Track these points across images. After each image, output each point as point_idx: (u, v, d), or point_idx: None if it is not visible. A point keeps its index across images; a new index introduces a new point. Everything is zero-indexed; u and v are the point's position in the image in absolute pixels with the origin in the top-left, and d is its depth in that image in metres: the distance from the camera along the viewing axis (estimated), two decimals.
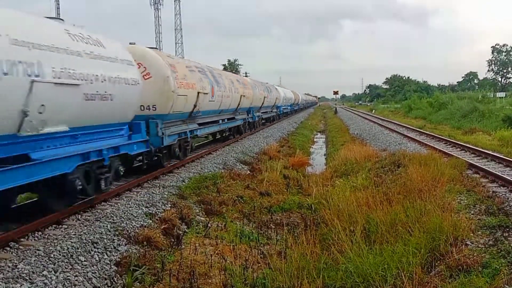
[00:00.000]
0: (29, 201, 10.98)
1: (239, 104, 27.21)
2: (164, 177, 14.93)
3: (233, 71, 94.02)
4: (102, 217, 9.84)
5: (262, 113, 38.69)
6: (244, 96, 28.06)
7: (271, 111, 45.52)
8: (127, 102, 11.94)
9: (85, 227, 9.12)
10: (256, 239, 10.65)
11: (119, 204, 11.16)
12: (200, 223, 11.06)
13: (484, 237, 8.92)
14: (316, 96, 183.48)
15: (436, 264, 8.02)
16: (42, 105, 8.28)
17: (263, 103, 37.18)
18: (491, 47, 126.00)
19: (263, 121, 40.16)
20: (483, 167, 15.12)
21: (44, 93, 8.27)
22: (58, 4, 76.62)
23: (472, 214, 10.36)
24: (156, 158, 14.91)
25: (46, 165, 8.72)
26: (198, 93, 17.95)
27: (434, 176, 12.99)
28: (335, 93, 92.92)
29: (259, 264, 9.05)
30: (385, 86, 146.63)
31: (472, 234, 9.01)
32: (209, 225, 10.89)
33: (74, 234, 8.57)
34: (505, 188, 12.38)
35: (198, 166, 17.23)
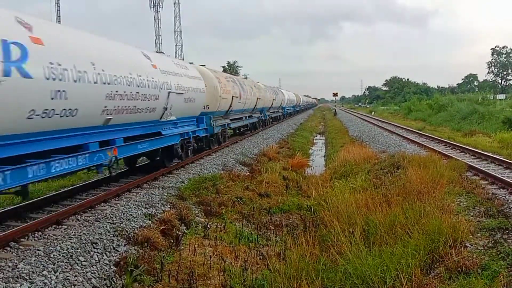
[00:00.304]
0: (145, 163, 17.73)
1: (255, 105, 33.11)
2: (163, 178, 14.95)
3: (233, 72, 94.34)
4: (102, 218, 9.87)
5: (271, 112, 44.66)
6: (259, 98, 34.08)
7: (278, 111, 51.30)
8: (200, 103, 18.46)
9: (85, 228, 9.15)
10: (255, 240, 10.69)
11: (118, 204, 11.19)
12: (200, 224, 11.09)
13: (484, 239, 8.94)
14: (315, 98, 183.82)
15: (435, 266, 8.05)
16: (171, 104, 14.59)
17: (272, 104, 43.31)
18: (491, 49, 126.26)
19: (271, 120, 45.25)
20: (483, 169, 15.14)
21: (172, 98, 14.61)
22: (59, 6, 76.77)
23: (472, 216, 10.38)
24: (202, 143, 20.47)
25: (167, 138, 15.46)
26: (233, 97, 24.79)
27: (434, 178, 13.01)
28: (335, 94, 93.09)
29: (258, 265, 9.09)
30: (384, 88, 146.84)
31: (471, 236, 9.03)
32: (208, 226, 10.92)
33: (73, 235, 8.60)
34: (504, 190, 12.40)
35: (198, 167, 17.25)
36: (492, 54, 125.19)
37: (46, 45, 8.43)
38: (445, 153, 19.40)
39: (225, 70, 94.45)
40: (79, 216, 10.17)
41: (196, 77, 18.16)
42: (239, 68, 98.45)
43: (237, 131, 31.67)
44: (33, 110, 8.07)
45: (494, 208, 10.68)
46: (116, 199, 11.95)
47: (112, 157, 11.41)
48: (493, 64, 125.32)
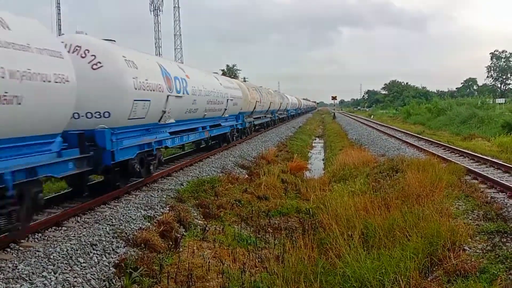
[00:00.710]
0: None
1: (269, 107, 40.96)
2: (162, 181, 14.99)
3: (232, 76, 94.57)
4: (101, 220, 9.91)
5: (279, 114, 51.76)
6: (272, 102, 42.09)
7: (283, 113, 57.93)
8: (239, 106, 27.15)
9: (84, 229, 9.19)
10: (254, 243, 10.72)
11: (118, 207, 11.23)
12: (198, 226, 11.12)
13: (482, 242, 8.98)
14: (315, 102, 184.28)
15: (434, 269, 8.08)
16: (228, 107, 22.28)
17: (280, 107, 51.02)
18: (490, 53, 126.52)
19: (278, 120, 52.64)
20: (482, 172, 15.17)
21: (229, 103, 22.82)
22: (59, 10, 76.86)
23: (470, 219, 10.42)
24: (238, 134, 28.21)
25: (224, 128, 23.67)
26: (256, 101, 33.05)
27: (433, 181, 13.04)
28: (334, 98, 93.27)
29: (257, 268, 9.12)
30: (383, 92, 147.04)
31: (470, 240, 9.06)
32: (207, 228, 10.95)
33: (73, 236, 8.64)
34: (503, 194, 12.44)
35: (197, 170, 17.29)
36: (491, 59, 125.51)
37: (190, 78, 17.33)
38: (444, 156, 19.45)
39: (224, 73, 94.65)
40: (78, 217, 10.21)
41: (237, 88, 27.58)
42: (238, 72, 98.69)
43: (256, 127, 37.51)
44: (186, 109, 16.93)
45: (492, 211, 10.72)
46: (116, 201, 11.99)
47: (208, 136, 20.90)
48: (492, 68, 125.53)
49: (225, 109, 23.11)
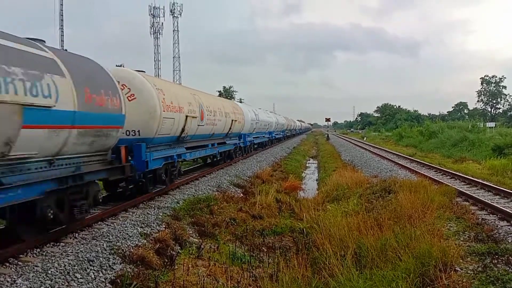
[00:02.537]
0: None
1: (267, 128, 46.07)
2: (159, 198, 14.98)
3: (228, 97, 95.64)
4: (99, 236, 9.90)
5: (275, 134, 55.14)
6: (269, 123, 47.18)
7: (279, 133, 62.67)
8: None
9: (82, 245, 9.18)
10: (248, 261, 10.72)
11: (115, 223, 11.22)
12: (193, 244, 11.11)
13: (473, 263, 9.03)
14: (310, 123, 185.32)
15: None
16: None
17: (286, 128, 62.85)
18: (480, 78, 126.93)
19: (286, 137, 68.58)
20: (473, 195, 15.25)
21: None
22: (62, 32, 77.32)
23: (462, 240, 10.48)
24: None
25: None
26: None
27: (424, 202, 13.11)
28: (327, 120, 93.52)
29: (251, 287, 9.11)
30: (376, 114, 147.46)
31: (461, 260, 9.11)
32: (202, 246, 10.94)
33: (71, 252, 8.63)
34: (494, 215, 12.51)
35: (192, 188, 17.30)
36: (482, 83, 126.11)
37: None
38: (436, 178, 19.52)
39: (220, 94, 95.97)
40: (76, 234, 10.19)
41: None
42: (234, 93, 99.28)
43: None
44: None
45: (483, 233, 10.79)
46: (113, 218, 11.98)
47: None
48: (482, 93, 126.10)
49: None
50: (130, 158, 12.76)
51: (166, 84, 16.76)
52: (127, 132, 13.64)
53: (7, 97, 6.97)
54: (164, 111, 14.57)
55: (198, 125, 19.09)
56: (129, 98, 13.52)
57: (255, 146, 38.80)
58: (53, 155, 8.81)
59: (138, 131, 14.03)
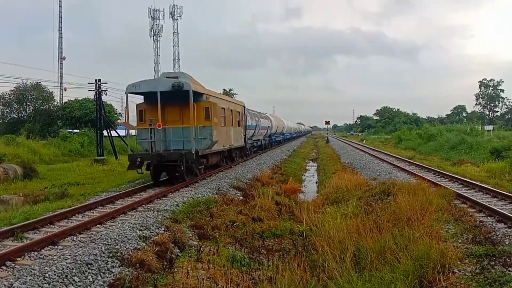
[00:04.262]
0: None
1: (267, 131, 48.02)
2: (158, 201, 14.93)
3: None
4: (97, 239, 9.82)
5: (275, 136, 58.22)
6: (269, 126, 49.41)
7: (280, 136, 66.00)
8: (270, 129, 48.01)
9: (80, 248, 9.10)
10: (247, 264, 10.62)
11: (113, 226, 11.16)
12: (193, 247, 11.03)
13: (471, 265, 8.97)
14: (310, 126, 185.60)
15: None
16: (263, 131, 45.02)
17: (276, 131, 59.22)
18: (479, 81, 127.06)
19: (292, 138, 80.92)
20: (471, 197, 15.18)
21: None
22: (61, 36, 77.64)
23: (460, 242, 10.42)
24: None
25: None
26: (277, 126, 55.74)
27: (423, 205, 13.03)
28: (327, 123, 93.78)
29: None
30: (375, 118, 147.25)
31: (459, 262, 9.04)
32: (201, 249, 10.86)
33: (69, 255, 8.55)
34: (492, 218, 12.44)
35: (192, 191, 17.23)
36: (480, 87, 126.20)
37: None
38: (434, 181, 19.46)
39: None
40: (74, 237, 10.14)
41: (269, 118, 48.11)
42: (234, 95, 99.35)
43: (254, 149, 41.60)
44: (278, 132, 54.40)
45: (481, 235, 10.73)
46: (112, 221, 11.93)
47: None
48: (480, 96, 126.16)
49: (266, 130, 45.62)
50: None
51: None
52: None
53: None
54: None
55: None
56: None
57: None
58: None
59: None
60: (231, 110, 25.76)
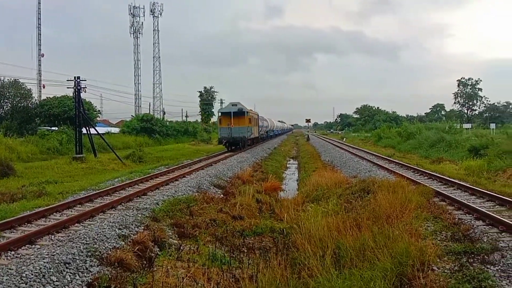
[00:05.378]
0: None
1: (275, 127, 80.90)
2: (138, 199, 14.82)
3: (209, 97, 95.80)
4: (75, 238, 9.71)
5: (275, 131, 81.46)
6: (274, 125, 79.06)
7: (278, 132, 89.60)
8: (267, 127, 68.95)
9: (58, 247, 8.99)
10: (228, 262, 10.61)
11: (92, 225, 11.04)
12: (173, 245, 10.97)
13: (450, 262, 9.04)
14: (291, 125, 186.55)
15: None
16: (265, 128, 68.02)
17: (279, 128, 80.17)
18: (457, 80, 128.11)
19: (275, 135, 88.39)
20: (450, 195, 15.30)
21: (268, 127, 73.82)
22: (40, 33, 76.87)
23: (439, 240, 10.50)
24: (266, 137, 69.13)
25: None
26: (269, 125, 72.54)
27: (402, 202, 13.12)
28: (308, 121, 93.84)
29: None
30: (355, 116, 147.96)
31: (438, 260, 9.12)
32: (181, 248, 10.81)
33: (46, 254, 8.43)
34: (470, 215, 12.55)
35: (172, 189, 17.14)
36: (458, 85, 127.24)
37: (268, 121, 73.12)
38: (414, 179, 19.60)
39: (201, 95, 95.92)
40: (52, 236, 10.01)
41: (268, 120, 71.92)
42: (215, 93, 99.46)
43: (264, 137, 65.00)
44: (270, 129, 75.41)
45: (460, 232, 10.83)
46: (90, 220, 11.80)
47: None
48: (459, 95, 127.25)
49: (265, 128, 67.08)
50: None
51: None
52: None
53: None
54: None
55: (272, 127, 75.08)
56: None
57: (275, 135, 79.16)
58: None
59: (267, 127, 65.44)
60: (255, 118, 48.75)
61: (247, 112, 42.26)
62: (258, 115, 53.51)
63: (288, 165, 40.80)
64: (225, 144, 41.86)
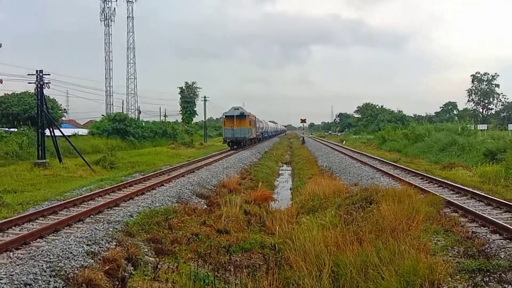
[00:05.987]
0: None
1: (269, 129, 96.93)
2: (109, 211, 14.77)
3: (191, 94, 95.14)
4: (37, 255, 9.65)
5: (270, 133, 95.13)
6: (269, 127, 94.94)
7: (272, 133, 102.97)
8: (263, 129, 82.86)
9: (17, 266, 8.93)
10: (212, 283, 10.60)
11: (56, 240, 10.98)
12: (149, 263, 10.94)
13: (463, 281, 9.06)
14: (284, 126, 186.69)
15: None
16: (262, 129, 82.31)
17: (272, 129, 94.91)
18: (471, 75, 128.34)
19: (269, 136, 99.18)
20: (463, 205, 15.34)
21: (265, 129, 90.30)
22: None
23: (450, 256, 10.52)
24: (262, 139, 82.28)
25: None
26: (267, 127, 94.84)
27: (409, 214, 13.15)
28: (303, 121, 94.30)
29: None
30: (356, 115, 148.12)
31: (450, 279, 9.14)
32: (159, 266, 10.77)
33: (4, 274, 8.37)
34: (486, 228, 12.60)
35: (149, 199, 17.10)
36: (473, 81, 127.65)
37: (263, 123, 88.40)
38: (422, 187, 19.65)
39: (182, 91, 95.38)
40: (11, 253, 9.94)
41: (263, 122, 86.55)
42: (198, 90, 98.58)
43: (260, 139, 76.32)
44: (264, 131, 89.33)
45: (474, 247, 10.85)
46: (54, 234, 11.74)
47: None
48: (473, 92, 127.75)
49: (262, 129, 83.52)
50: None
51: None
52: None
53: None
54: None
55: (267, 129, 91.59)
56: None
57: (269, 136, 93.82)
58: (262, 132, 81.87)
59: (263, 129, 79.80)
60: (253, 120, 61.13)
61: (247, 115, 55.52)
62: (255, 117, 66.02)
63: (280, 172, 40.85)
64: (228, 143, 55.24)
